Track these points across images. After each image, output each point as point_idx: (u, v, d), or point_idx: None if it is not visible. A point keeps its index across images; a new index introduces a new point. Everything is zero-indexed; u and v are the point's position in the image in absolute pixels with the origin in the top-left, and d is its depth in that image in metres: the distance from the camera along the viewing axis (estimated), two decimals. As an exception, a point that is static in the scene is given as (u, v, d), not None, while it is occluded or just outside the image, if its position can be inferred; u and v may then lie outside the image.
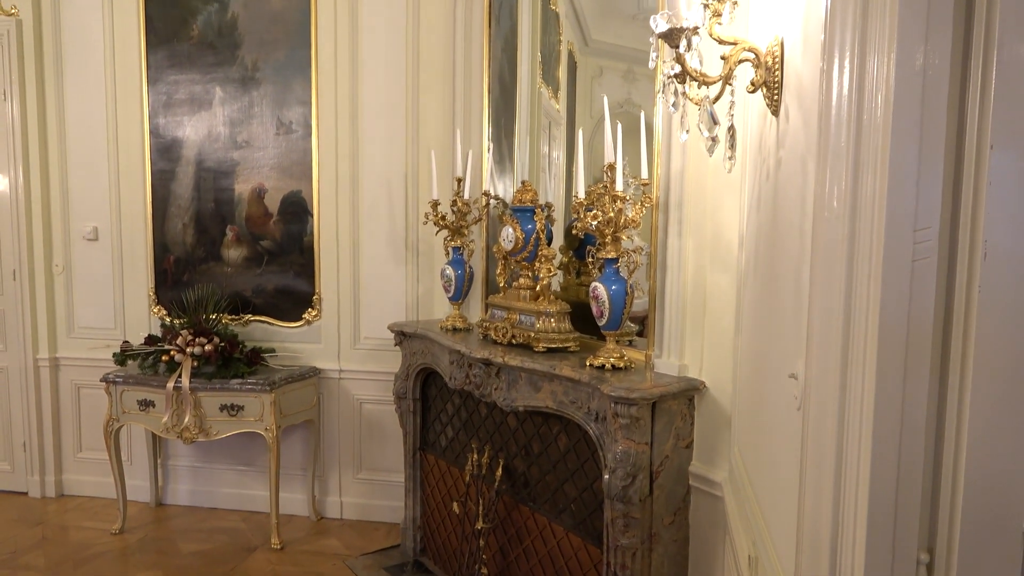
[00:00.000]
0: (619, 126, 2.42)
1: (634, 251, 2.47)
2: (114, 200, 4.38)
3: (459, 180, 3.43)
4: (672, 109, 1.62)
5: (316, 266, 4.15)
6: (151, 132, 4.29)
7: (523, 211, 2.98)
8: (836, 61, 1.12)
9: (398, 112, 3.99)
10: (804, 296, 1.25)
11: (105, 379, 3.97)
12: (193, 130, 4.24)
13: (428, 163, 3.63)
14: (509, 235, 2.98)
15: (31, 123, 4.38)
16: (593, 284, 2.51)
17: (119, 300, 4.43)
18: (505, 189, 3.50)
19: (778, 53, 1.59)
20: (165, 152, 4.29)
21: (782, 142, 1.55)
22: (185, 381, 3.77)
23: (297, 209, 4.15)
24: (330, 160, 4.09)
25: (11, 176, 4.41)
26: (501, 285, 3.13)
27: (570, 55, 3.31)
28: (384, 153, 4.04)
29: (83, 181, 4.41)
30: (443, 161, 3.64)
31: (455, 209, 3.42)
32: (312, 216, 4.13)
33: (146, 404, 3.89)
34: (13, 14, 4.36)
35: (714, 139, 1.66)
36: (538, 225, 2.94)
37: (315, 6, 4.02)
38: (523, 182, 3.18)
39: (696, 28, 1.51)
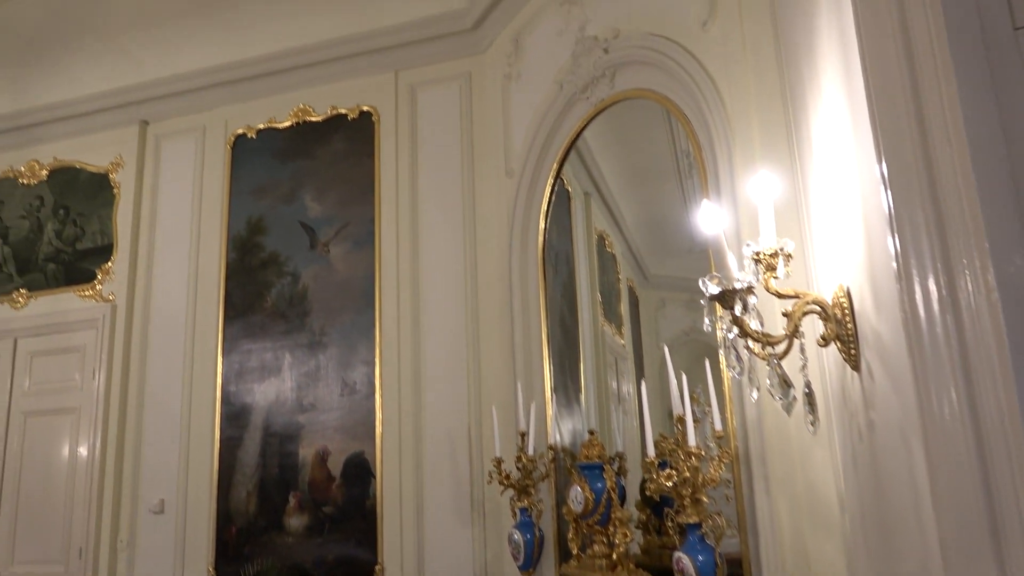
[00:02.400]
0: (684, 377, 2.27)
1: (718, 514, 2.19)
2: (182, 471, 4.36)
3: (523, 434, 3.27)
4: (736, 375, 1.47)
5: (379, 532, 3.90)
6: (222, 400, 4.37)
7: (591, 468, 2.77)
8: (918, 290, 0.98)
9: (459, 368, 3.97)
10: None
11: (153, 673, 3.65)
12: (262, 395, 4.31)
13: (491, 418, 3.51)
14: (578, 496, 2.73)
15: (113, 397, 4.56)
16: (676, 555, 2.20)
17: (178, 577, 4.23)
18: (574, 429, 3.32)
19: (846, 304, 1.46)
20: (234, 419, 4.33)
21: (871, 402, 1.36)
22: (235, 674, 3.42)
23: (360, 471, 4.02)
24: (393, 419, 4.02)
25: (90, 447, 4.51)
26: (575, 552, 2.82)
27: (630, 291, 3.31)
28: (446, 410, 3.95)
29: (155, 452, 4.44)
30: (506, 415, 3.51)
31: (520, 466, 3.22)
32: (375, 477, 3.98)
33: None
34: (111, 300, 4.75)
35: (791, 400, 1.48)
36: (608, 483, 2.71)
37: (379, 272, 4.22)
38: (590, 432, 2.99)
39: (751, 287, 1.40)
